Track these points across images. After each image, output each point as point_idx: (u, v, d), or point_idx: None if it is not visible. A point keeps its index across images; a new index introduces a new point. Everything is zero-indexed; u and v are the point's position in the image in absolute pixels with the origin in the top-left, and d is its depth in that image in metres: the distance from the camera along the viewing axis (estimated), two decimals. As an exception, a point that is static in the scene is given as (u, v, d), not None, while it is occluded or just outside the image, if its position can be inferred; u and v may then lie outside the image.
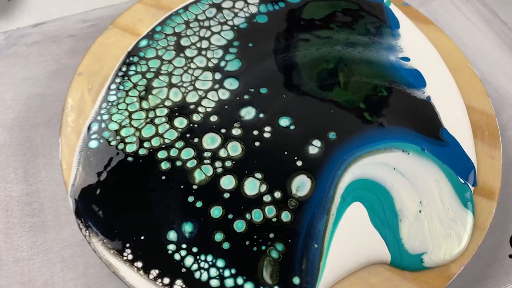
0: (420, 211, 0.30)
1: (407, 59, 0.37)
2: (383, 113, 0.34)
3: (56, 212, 0.33)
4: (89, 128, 0.32)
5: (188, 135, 0.32)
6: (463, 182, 0.31)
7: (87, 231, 0.28)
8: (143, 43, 0.37)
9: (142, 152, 0.31)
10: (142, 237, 0.28)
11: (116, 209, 0.29)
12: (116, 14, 0.43)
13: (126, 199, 0.29)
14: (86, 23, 0.42)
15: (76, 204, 0.29)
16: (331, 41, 0.38)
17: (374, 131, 0.33)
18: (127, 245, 0.28)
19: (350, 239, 0.29)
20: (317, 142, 0.32)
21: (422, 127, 0.33)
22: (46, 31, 0.42)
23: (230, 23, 0.38)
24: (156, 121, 0.33)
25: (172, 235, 0.28)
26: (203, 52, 0.36)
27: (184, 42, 0.37)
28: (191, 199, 0.29)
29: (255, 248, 0.28)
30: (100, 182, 0.30)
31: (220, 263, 0.28)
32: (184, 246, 0.28)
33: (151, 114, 0.33)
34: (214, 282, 0.27)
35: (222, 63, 0.36)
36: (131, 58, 0.36)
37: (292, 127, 0.33)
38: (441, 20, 0.46)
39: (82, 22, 0.43)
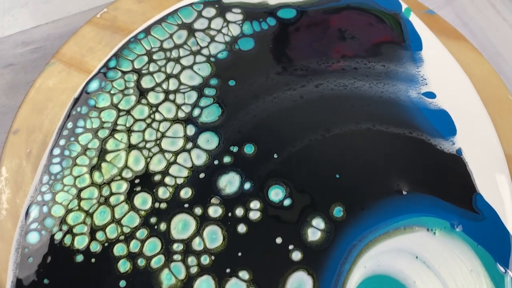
0: (450, 318, 0.23)
1: (432, 95, 0.29)
2: (402, 176, 0.27)
3: (-3, 314, 0.27)
4: (27, 213, 0.25)
5: (152, 220, 0.25)
6: (503, 270, 0.25)
7: None
8: (94, 85, 0.29)
9: (94, 247, 0.24)
10: None
11: (64, 330, 0.23)
12: (65, 32, 0.34)
13: (76, 317, 0.23)
14: (27, 47, 0.34)
15: (15, 321, 0.23)
16: (334, 72, 0.29)
17: (391, 203, 0.26)
18: None
19: None
20: (319, 223, 0.25)
21: (451, 194, 0.26)
22: (-23, 60, 0.34)
23: (205, 51, 0.30)
24: (112, 200, 0.25)
25: None
26: (171, 97, 0.28)
27: (146, 82, 0.29)
28: (158, 314, 0.23)
29: None
30: (43, 292, 0.24)
31: None
32: None
33: (105, 191, 0.26)
34: None
35: (196, 112, 0.28)
36: (78, 109, 0.28)
37: (286, 202, 0.26)
38: (470, 23, 0.37)
39: (22, 46, 0.34)
